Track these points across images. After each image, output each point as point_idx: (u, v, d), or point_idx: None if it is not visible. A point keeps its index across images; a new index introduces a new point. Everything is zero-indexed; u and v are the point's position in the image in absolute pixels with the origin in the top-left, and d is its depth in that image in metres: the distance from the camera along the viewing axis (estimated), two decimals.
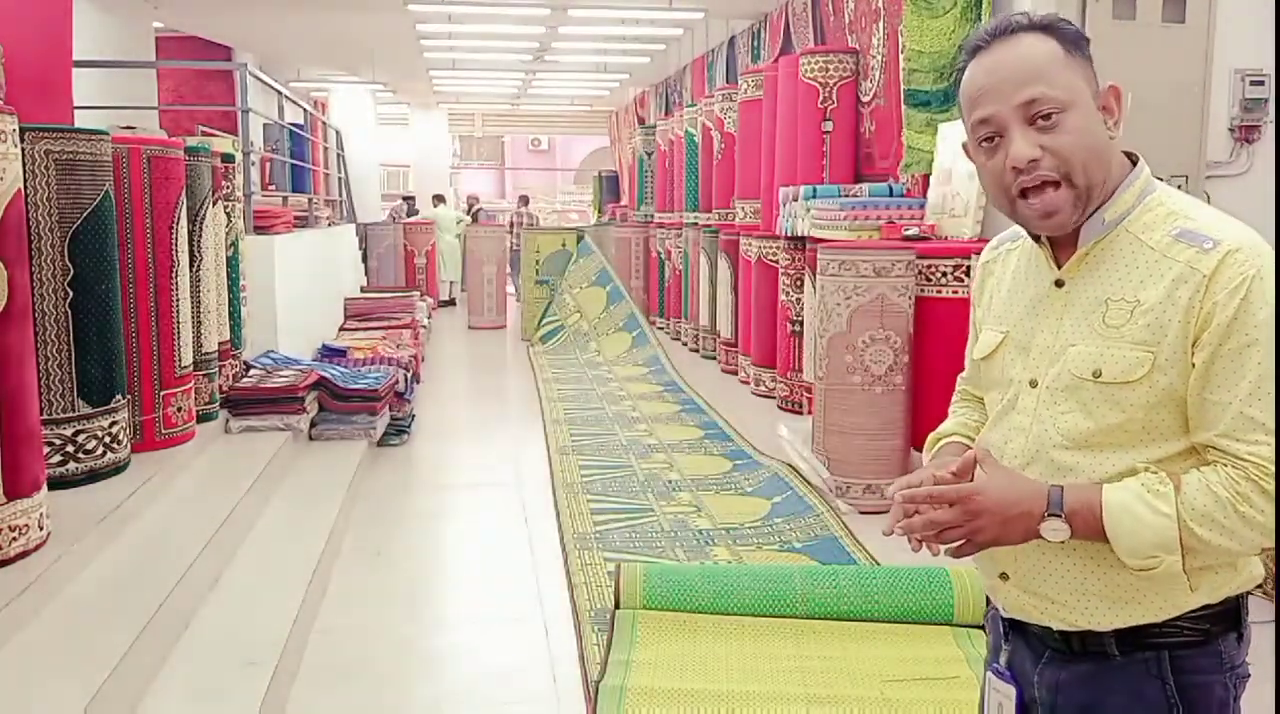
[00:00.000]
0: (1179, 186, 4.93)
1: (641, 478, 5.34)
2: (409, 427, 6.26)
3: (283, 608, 3.27)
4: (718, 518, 4.64)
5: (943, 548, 1.28)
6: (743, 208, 7.93)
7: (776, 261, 7.05)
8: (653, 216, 11.33)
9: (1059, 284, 1.30)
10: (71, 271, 3.49)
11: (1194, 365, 1.20)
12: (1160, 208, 1.26)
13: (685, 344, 9.82)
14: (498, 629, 3.51)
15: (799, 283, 6.63)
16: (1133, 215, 1.26)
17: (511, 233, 14.66)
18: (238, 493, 4.04)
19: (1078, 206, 1.24)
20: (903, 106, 5.89)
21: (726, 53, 10.13)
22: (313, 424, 5.41)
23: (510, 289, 13.37)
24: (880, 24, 6.39)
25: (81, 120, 4.41)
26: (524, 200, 17.23)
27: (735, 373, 8.12)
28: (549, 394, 7.72)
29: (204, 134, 6.74)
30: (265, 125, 9.61)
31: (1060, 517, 1.20)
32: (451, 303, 14.27)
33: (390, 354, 7.11)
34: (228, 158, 5.15)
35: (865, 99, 6.63)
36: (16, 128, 2.97)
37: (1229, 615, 1.29)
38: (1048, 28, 1.24)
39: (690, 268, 9.65)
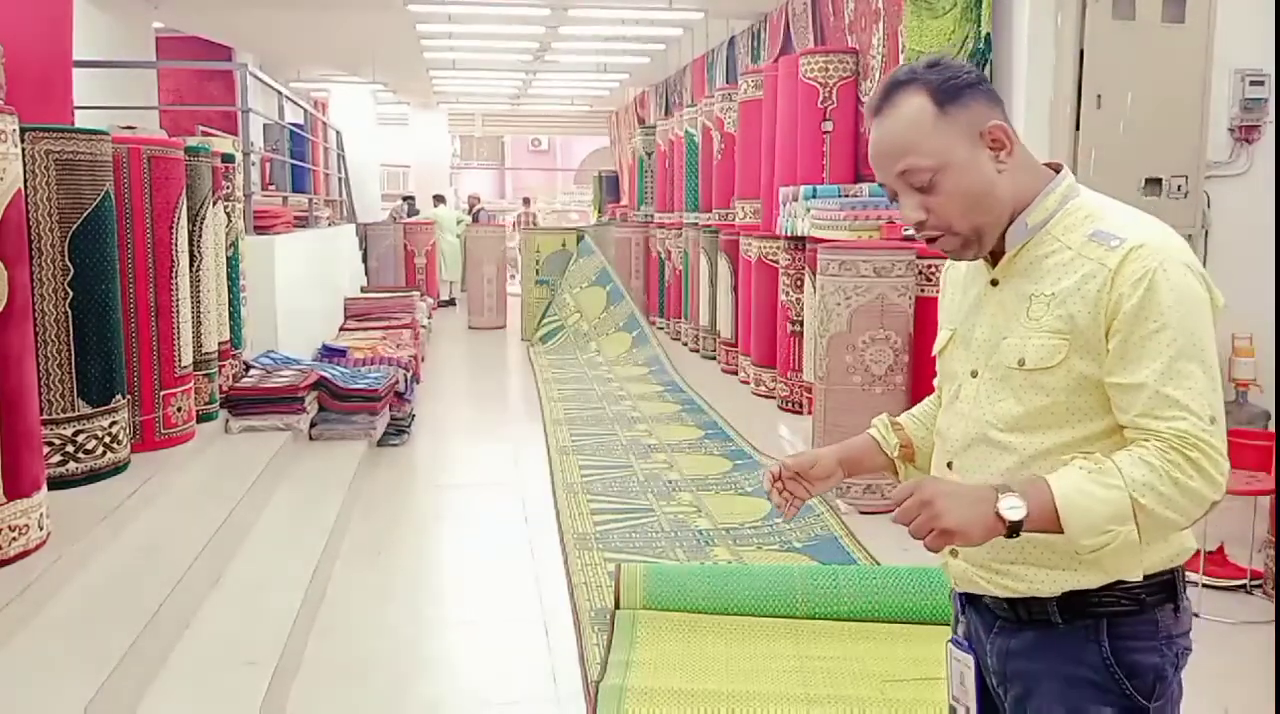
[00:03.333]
0: (1179, 187, 4.93)
1: (641, 478, 5.34)
2: (409, 427, 6.26)
3: (283, 608, 3.27)
4: (718, 518, 4.64)
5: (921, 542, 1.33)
6: (743, 208, 7.93)
7: (776, 261, 7.05)
8: (653, 216, 11.33)
9: (994, 283, 1.43)
10: (71, 271, 3.49)
11: (1109, 350, 1.30)
12: (1080, 212, 1.38)
13: (685, 344, 9.82)
14: (498, 629, 3.51)
15: (799, 283, 6.63)
16: (1054, 219, 1.38)
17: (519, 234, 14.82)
18: (238, 493, 4.04)
19: (971, 245, 1.39)
20: None
21: (726, 53, 10.12)
22: (313, 424, 5.40)
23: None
24: (880, 24, 6.39)
25: (82, 120, 4.41)
26: (526, 202, 17.71)
27: (735, 373, 8.12)
28: (549, 394, 7.72)
29: (204, 134, 6.72)
30: (265, 125, 9.60)
31: (1014, 493, 1.27)
32: (451, 303, 14.26)
33: (390, 354, 7.11)
34: (228, 158, 5.15)
35: (865, 99, 6.64)
36: (17, 128, 2.97)
37: (1164, 587, 1.38)
38: (926, 84, 1.35)
39: (690, 268, 9.65)
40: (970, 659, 1.48)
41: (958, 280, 1.54)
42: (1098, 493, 1.24)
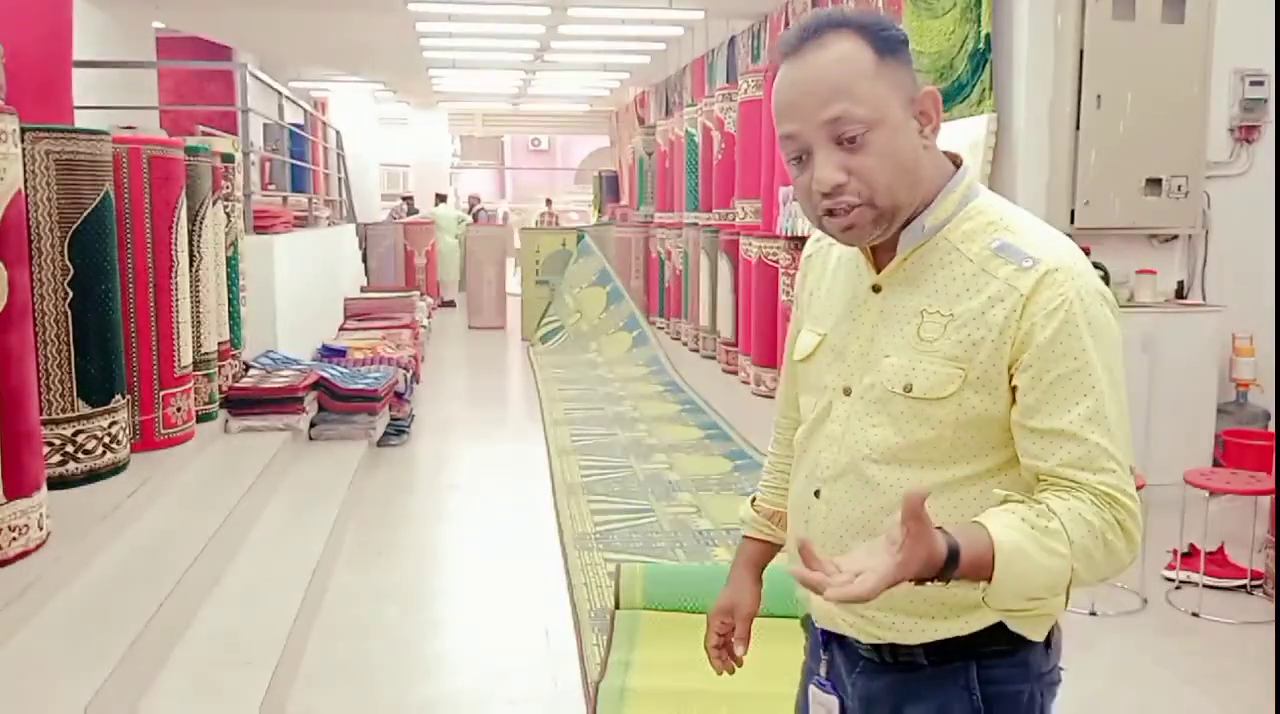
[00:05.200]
0: (1179, 187, 4.93)
1: (642, 478, 5.34)
2: (408, 427, 6.26)
3: (283, 608, 3.27)
4: (718, 518, 4.63)
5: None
6: (743, 208, 7.93)
7: (776, 261, 7.05)
8: (653, 216, 11.33)
9: (876, 289, 1.24)
10: (71, 272, 3.49)
11: (1015, 388, 1.14)
12: (980, 216, 1.20)
13: (685, 344, 9.82)
14: (498, 629, 3.51)
15: None
16: (952, 223, 1.20)
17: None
18: (237, 493, 4.04)
19: (879, 224, 1.18)
20: None
21: (726, 53, 10.12)
22: (312, 424, 5.40)
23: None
24: None
25: (82, 120, 4.41)
26: (548, 203, 18.38)
27: (735, 373, 8.12)
28: (549, 394, 7.72)
29: (204, 134, 6.72)
30: (265, 125, 9.60)
31: (955, 573, 1.04)
32: (451, 304, 14.24)
33: (390, 354, 7.11)
34: (228, 158, 5.14)
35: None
36: (17, 128, 2.97)
37: (1043, 623, 1.25)
38: (862, 28, 1.16)
39: (690, 268, 9.65)
40: (834, 702, 1.33)
41: (826, 276, 1.34)
42: (1040, 559, 1.05)
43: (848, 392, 1.25)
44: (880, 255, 1.24)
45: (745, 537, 1.54)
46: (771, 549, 1.53)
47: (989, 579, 1.05)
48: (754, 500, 1.55)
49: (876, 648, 1.27)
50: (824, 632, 1.35)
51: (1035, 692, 1.25)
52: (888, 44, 1.16)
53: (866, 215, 1.16)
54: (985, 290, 1.15)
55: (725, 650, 1.48)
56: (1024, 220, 1.21)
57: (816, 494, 1.27)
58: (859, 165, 1.14)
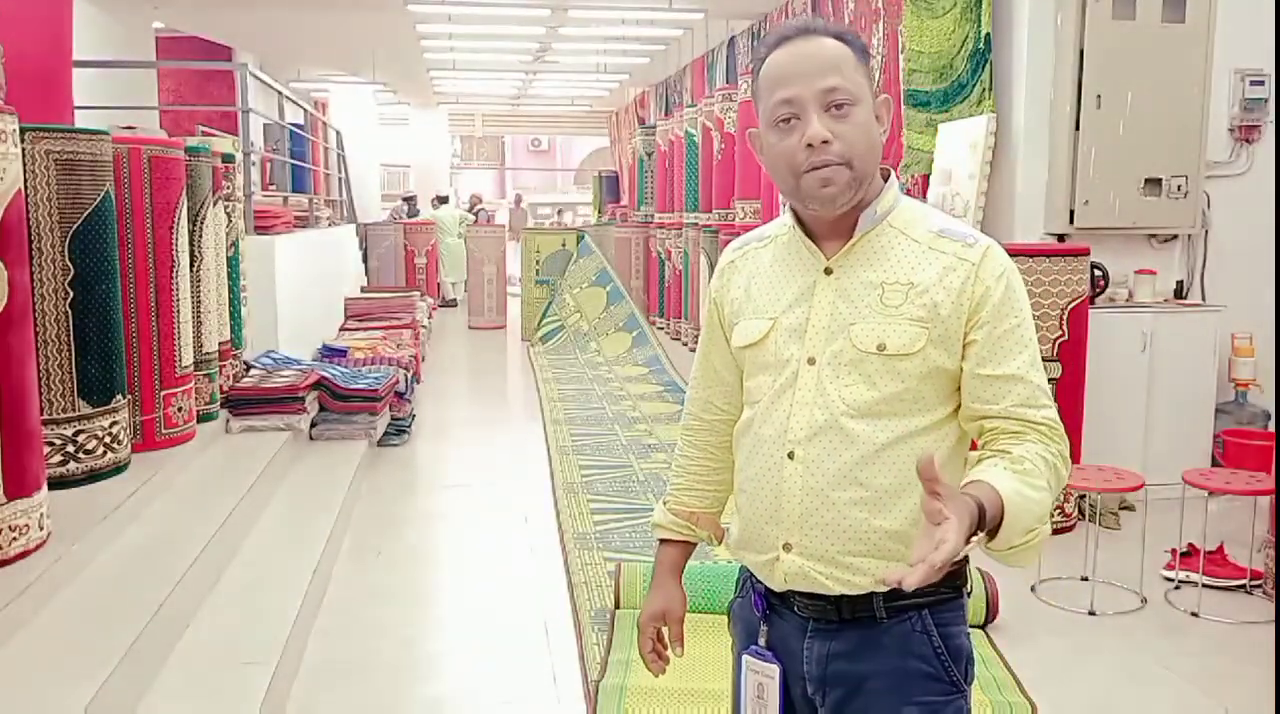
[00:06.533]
0: (1179, 187, 4.93)
1: (641, 478, 5.34)
2: (409, 426, 6.26)
3: (283, 608, 3.27)
4: None
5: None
6: (743, 208, 7.93)
7: None
8: (653, 217, 11.34)
9: (828, 272, 1.41)
10: (72, 271, 3.49)
11: (972, 341, 1.34)
12: (912, 211, 1.43)
13: (685, 344, 9.82)
14: (498, 629, 3.51)
15: None
16: (892, 214, 1.41)
17: None
18: (238, 493, 4.04)
19: (851, 187, 1.36)
20: (902, 107, 5.89)
21: (726, 53, 10.12)
22: (313, 424, 5.40)
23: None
24: (880, 24, 6.39)
25: (82, 120, 4.42)
26: (559, 212, 19.18)
27: None
28: (549, 394, 7.72)
29: (204, 134, 6.72)
30: (266, 125, 9.61)
31: (985, 530, 1.19)
32: (453, 304, 14.23)
33: (390, 354, 7.11)
34: (228, 158, 5.15)
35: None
36: (17, 128, 2.97)
37: (964, 571, 1.41)
38: (841, 36, 1.38)
39: (690, 268, 9.65)
40: (774, 669, 1.44)
41: (761, 273, 1.48)
42: (1031, 495, 1.23)
43: (812, 361, 1.39)
44: (823, 246, 1.42)
45: (662, 541, 1.64)
46: (689, 549, 1.65)
47: (999, 524, 1.20)
48: (666, 504, 1.65)
49: (838, 606, 1.38)
50: (766, 604, 1.46)
51: (966, 634, 1.42)
52: (861, 51, 1.39)
53: (844, 175, 1.34)
54: (938, 263, 1.36)
55: (658, 654, 1.60)
56: (945, 216, 1.44)
57: (791, 456, 1.39)
58: (843, 131, 1.34)
